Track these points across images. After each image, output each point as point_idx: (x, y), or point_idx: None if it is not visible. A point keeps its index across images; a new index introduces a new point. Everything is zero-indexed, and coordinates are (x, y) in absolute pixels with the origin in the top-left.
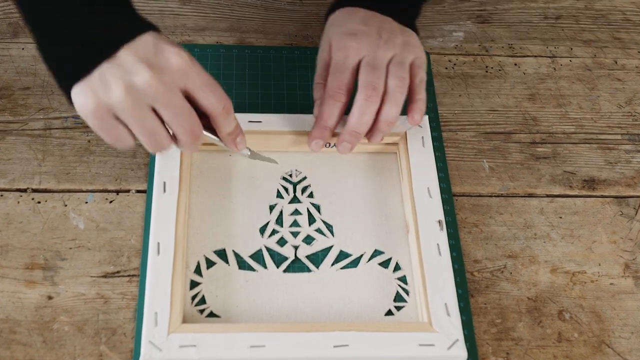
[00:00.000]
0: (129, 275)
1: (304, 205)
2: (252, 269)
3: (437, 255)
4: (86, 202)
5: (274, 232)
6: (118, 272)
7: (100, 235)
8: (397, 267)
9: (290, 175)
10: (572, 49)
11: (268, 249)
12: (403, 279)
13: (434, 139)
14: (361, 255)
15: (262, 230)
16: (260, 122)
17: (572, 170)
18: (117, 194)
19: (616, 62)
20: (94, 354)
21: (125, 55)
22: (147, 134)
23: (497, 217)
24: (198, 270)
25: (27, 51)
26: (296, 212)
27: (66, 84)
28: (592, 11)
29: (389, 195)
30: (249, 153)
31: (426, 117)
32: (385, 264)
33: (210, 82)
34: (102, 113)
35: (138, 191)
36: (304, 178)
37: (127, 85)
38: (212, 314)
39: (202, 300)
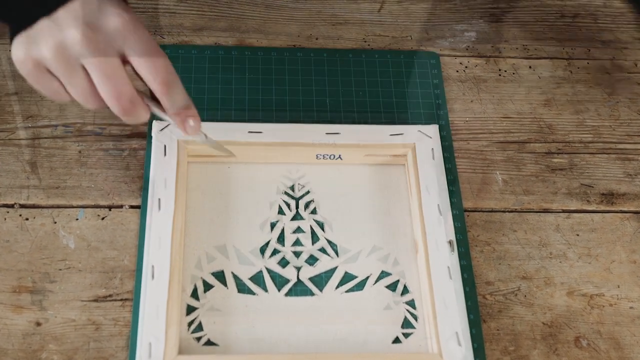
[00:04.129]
0: (121, 299)
1: (307, 222)
2: (252, 293)
3: (448, 279)
4: (77, 219)
5: (275, 251)
6: (110, 295)
7: (92, 255)
8: (405, 290)
9: (293, 189)
10: (589, 50)
11: (269, 271)
12: (411, 303)
13: (444, 148)
14: (367, 277)
15: (263, 250)
16: (260, 132)
17: (590, 183)
18: (110, 210)
19: (636, 65)
20: None
21: (64, 12)
22: (76, 92)
23: (510, 235)
24: (195, 294)
25: None
26: (299, 229)
27: (10, 38)
28: (612, 9)
29: (397, 210)
30: (205, 139)
31: (436, 127)
32: (392, 286)
33: (151, 50)
34: (31, 65)
35: (132, 207)
36: (307, 192)
37: (57, 42)
38: (209, 342)
39: (199, 327)
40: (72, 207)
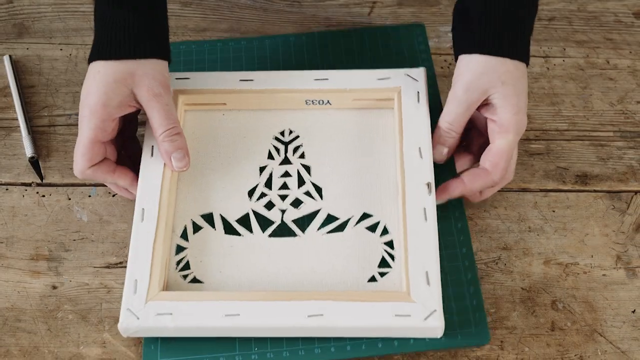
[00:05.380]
0: None
1: (295, 166)
2: (237, 234)
3: (423, 220)
4: (89, 196)
5: (262, 195)
6: (121, 262)
7: (104, 228)
8: (384, 231)
9: (283, 134)
10: (565, 49)
11: (255, 213)
12: (390, 244)
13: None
14: (349, 219)
15: (251, 193)
16: (252, 80)
17: (565, 166)
18: None
19: (608, 62)
20: (97, 341)
21: None
22: None
23: (491, 211)
24: (184, 235)
25: (32, 51)
26: (286, 174)
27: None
28: (585, 13)
29: (383, 154)
30: None
31: (423, 69)
32: (372, 227)
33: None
34: None
35: None
36: (297, 137)
37: None
38: (195, 280)
39: (187, 266)
40: (85, 185)
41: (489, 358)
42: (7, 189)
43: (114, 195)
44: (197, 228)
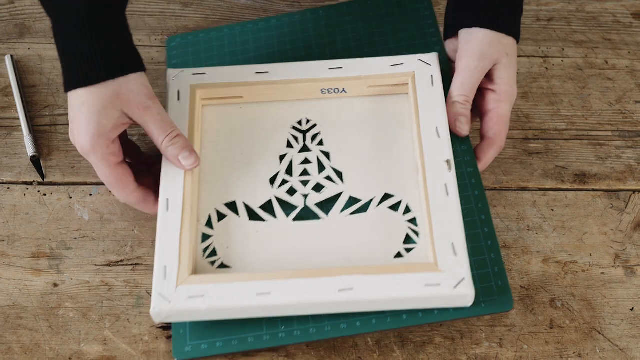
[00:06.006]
0: (132, 264)
1: (314, 153)
2: (262, 220)
3: (445, 195)
4: (90, 195)
5: (283, 182)
6: (122, 260)
7: (105, 226)
8: (407, 210)
9: (300, 124)
10: (563, 49)
11: (278, 199)
12: (413, 221)
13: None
14: (371, 200)
15: (272, 180)
16: (267, 72)
17: (564, 165)
18: None
19: (607, 62)
20: (98, 339)
21: None
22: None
23: (490, 210)
24: (209, 224)
25: (33, 51)
26: (306, 161)
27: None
28: (584, 13)
29: (400, 137)
30: None
31: (435, 55)
32: (395, 207)
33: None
34: None
35: None
36: (314, 126)
37: None
38: (222, 265)
39: (213, 252)
40: (87, 184)
41: (488, 356)
42: (8, 188)
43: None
44: (221, 216)
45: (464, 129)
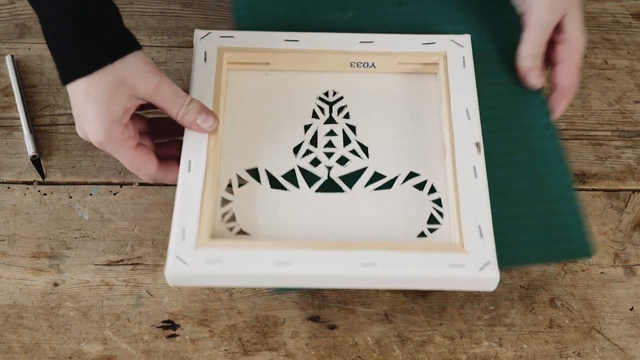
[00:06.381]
0: (132, 264)
1: (340, 126)
2: (284, 188)
3: (473, 177)
4: (90, 194)
5: (307, 152)
6: (122, 260)
7: (105, 226)
8: (432, 190)
9: (327, 95)
10: None
11: (301, 169)
12: (438, 202)
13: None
14: (396, 177)
15: (296, 150)
16: (297, 41)
17: None
18: (121, 187)
19: (606, 62)
20: (98, 338)
21: None
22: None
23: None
24: (229, 189)
25: (33, 51)
26: (331, 132)
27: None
28: (583, 14)
29: (428, 116)
30: None
31: (468, 36)
32: (420, 186)
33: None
34: None
35: (141, 184)
36: (341, 98)
37: None
38: (241, 232)
39: (232, 218)
40: (87, 184)
41: (488, 355)
42: (9, 188)
43: (115, 194)
44: (242, 182)
45: (539, 81)
